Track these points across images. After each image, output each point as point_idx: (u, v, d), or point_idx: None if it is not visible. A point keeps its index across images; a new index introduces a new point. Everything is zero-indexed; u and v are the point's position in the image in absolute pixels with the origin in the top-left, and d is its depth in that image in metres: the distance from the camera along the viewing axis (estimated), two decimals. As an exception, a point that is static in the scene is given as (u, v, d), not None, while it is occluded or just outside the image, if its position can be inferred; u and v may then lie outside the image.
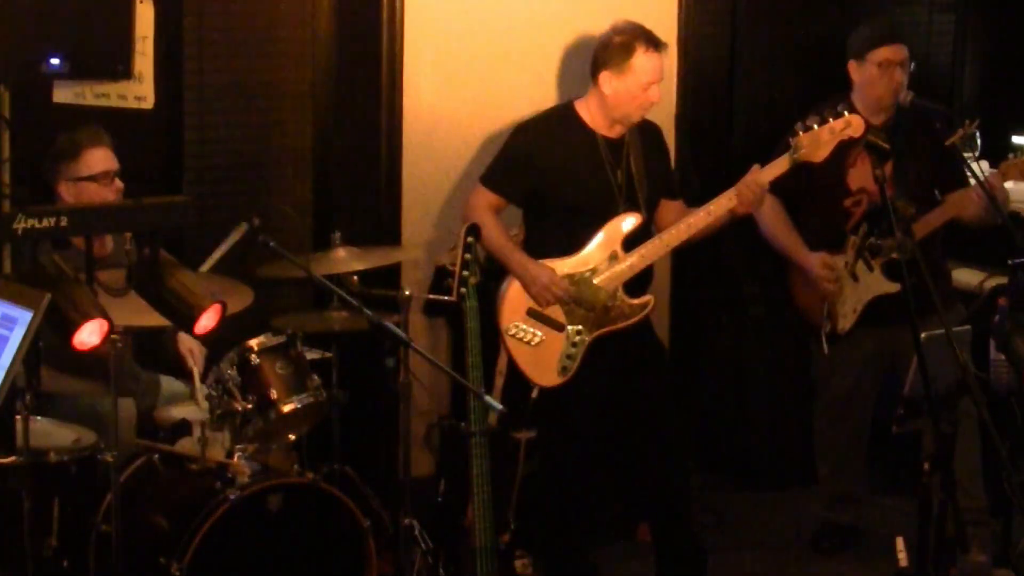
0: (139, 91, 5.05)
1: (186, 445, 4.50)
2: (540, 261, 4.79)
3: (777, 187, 4.83)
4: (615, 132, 4.82)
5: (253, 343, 4.49)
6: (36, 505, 3.86)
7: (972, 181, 5.03)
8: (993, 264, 5.61)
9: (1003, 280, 5.03)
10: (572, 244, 4.79)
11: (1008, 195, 5.23)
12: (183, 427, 4.55)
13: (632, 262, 4.79)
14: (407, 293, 4.70)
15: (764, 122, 5.84)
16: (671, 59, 5.74)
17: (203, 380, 4.63)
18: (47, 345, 3.69)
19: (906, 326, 4.10)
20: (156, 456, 4.43)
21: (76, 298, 3.58)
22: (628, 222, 4.79)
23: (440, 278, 4.99)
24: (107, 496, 4.08)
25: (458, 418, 4.83)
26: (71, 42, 4.72)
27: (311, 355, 4.76)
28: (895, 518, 5.43)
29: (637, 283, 4.84)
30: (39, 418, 4.08)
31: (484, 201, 4.84)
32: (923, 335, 4.05)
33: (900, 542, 4.36)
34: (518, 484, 4.95)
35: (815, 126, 4.71)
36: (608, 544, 5.34)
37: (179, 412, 4.62)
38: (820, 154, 4.73)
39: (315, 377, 4.60)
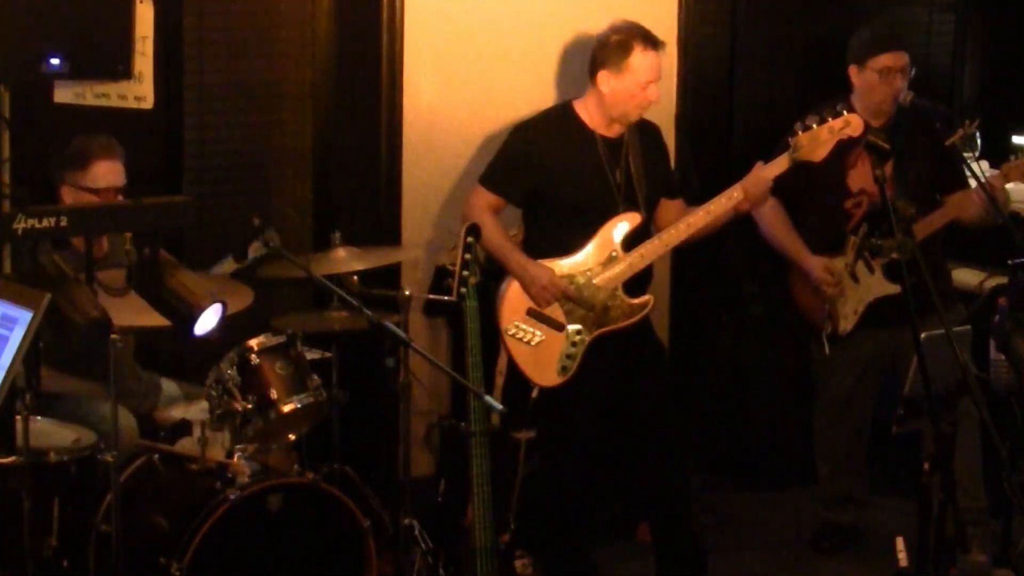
0: (139, 91, 5.05)
1: (186, 445, 4.50)
2: (539, 261, 4.79)
3: (777, 188, 4.84)
4: (614, 132, 4.82)
5: (253, 343, 4.48)
6: (36, 505, 3.86)
7: (972, 182, 5.03)
8: (993, 264, 5.61)
9: (1003, 280, 5.02)
10: (571, 244, 4.79)
11: (1008, 196, 5.23)
12: (183, 427, 4.55)
13: (631, 262, 4.79)
14: (407, 293, 4.70)
15: (764, 122, 5.84)
16: (671, 59, 5.75)
17: (202, 383, 4.63)
18: (47, 345, 3.69)
19: (906, 327, 4.10)
20: (156, 456, 4.43)
21: (76, 298, 3.58)
22: (627, 222, 4.79)
23: (440, 278, 4.99)
24: (107, 496, 4.08)
25: (458, 418, 4.83)
26: (71, 42, 4.72)
27: (311, 355, 4.76)
28: (895, 518, 5.43)
29: (636, 283, 4.84)
30: (39, 418, 4.07)
31: (483, 201, 4.84)
32: (923, 335, 4.05)
33: (900, 542, 4.36)
34: (518, 484, 4.95)
35: (814, 126, 4.71)
36: (608, 544, 5.34)
37: (179, 412, 4.62)
38: (819, 153, 4.73)
39: (315, 377, 4.60)
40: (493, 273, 4.82)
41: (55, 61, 4.68)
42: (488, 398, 4.34)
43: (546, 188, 4.80)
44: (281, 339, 4.55)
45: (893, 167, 4.89)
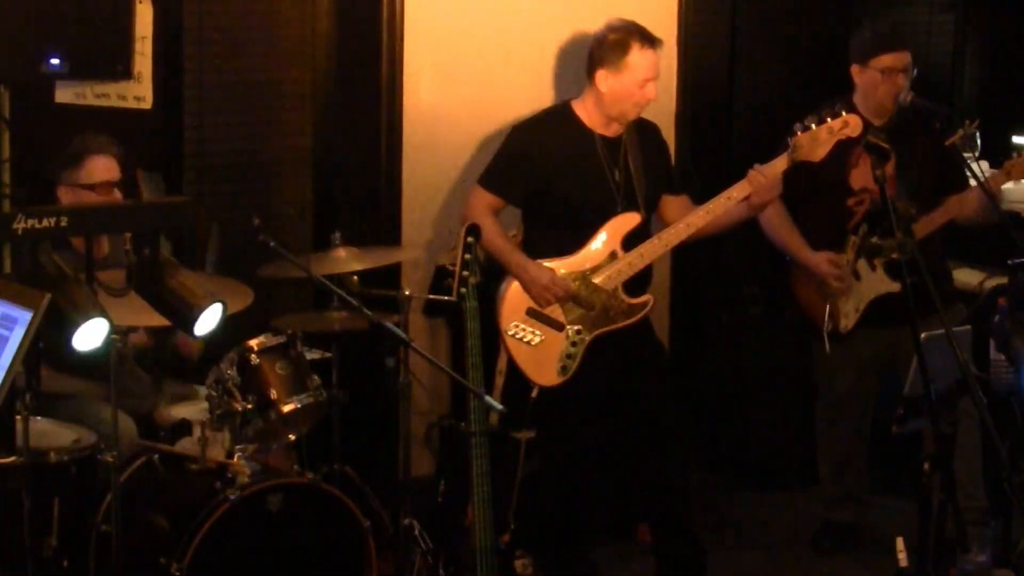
0: (138, 91, 5.05)
1: (186, 445, 4.50)
2: (539, 261, 4.79)
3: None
4: (612, 131, 4.82)
5: (253, 343, 4.48)
6: (36, 505, 3.86)
7: (972, 181, 5.03)
8: (993, 264, 5.61)
9: (1003, 280, 5.02)
10: (571, 244, 4.79)
11: (1003, 196, 5.24)
12: (183, 427, 4.55)
13: (631, 261, 4.79)
14: (407, 293, 4.70)
15: (764, 122, 5.84)
16: (671, 59, 5.75)
17: (202, 383, 4.63)
18: (47, 345, 3.68)
19: (906, 327, 4.10)
20: (156, 456, 4.43)
21: (76, 298, 3.58)
22: (626, 221, 4.79)
23: (440, 278, 4.99)
24: (107, 496, 4.08)
25: (458, 418, 4.83)
26: (71, 42, 4.72)
27: (311, 355, 4.76)
28: (895, 518, 5.42)
29: (636, 282, 4.84)
30: (39, 418, 4.07)
31: (483, 202, 4.84)
32: (923, 335, 4.04)
33: (900, 542, 4.35)
34: (518, 484, 4.95)
35: (813, 126, 4.71)
36: (608, 544, 5.34)
37: (179, 412, 4.62)
38: (819, 153, 4.73)
39: (315, 377, 4.59)
40: (493, 273, 4.82)
41: (55, 61, 4.69)
42: (488, 398, 4.34)
43: (545, 188, 4.80)
44: (281, 339, 4.55)
45: (895, 167, 4.90)
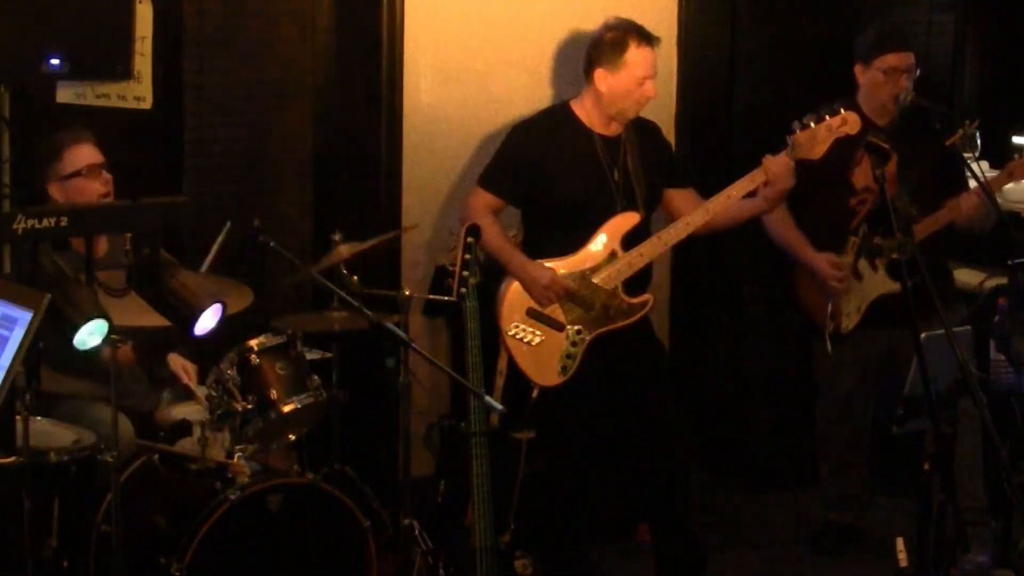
0: (138, 91, 5.05)
1: (186, 445, 4.50)
2: (539, 261, 4.79)
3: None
4: (612, 130, 4.82)
5: (253, 343, 4.48)
6: (36, 505, 3.85)
7: (972, 182, 5.04)
8: (993, 264, 5.61)
9: (1003, 280, 5.02)
10: (571, 243, 4.79)
11: (1002, 196, 5.24)
12: (183, 427, 4.55)
13: (630, 260, 4.79)
14: (407, 293, 4.70)
15: (764, 122, 5.84)
16: (671, 59, 5.76)
17: (201, 383, 4.63)
18: (47, 345, 3.68)
19: (907, 327, 4.10)
20: (156, 456, 4.43)
21: (76, 298, 3.58)
22: (626, 221, 4.79)
23: (440, 278, 4.99)
24: (107, 496, 4.08)
25: (458, 418, 4.83)
26: (71, 42, 4.72)
27: (311, 355, 4.76)
28: (895, 518, 5.42)
29: (636, 282, 4.84)
30: (39, 418, 4.07)
31: (482, 203, 4.84)
32: (923, 335, 4.05)
33: (900, 542, 4.35)
34: (519, 484, 4.95)
35: (812, 124, 4.72)
36: (608, 544, 5.34)
37: (179, 412, 4.62)
38: (818, 151, 4.73)
39: (315, 377, 4.59)
40: (493, 273, 4.82)
41: (55, 61, 4.69)
42: (488, 398, 4.34)
43: (545, 188, 4.80)
44: (281, 339, 4.55)
45: (897, 167, 4.90)
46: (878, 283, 5.16)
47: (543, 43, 5.57)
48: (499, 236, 4.82)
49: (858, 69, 5.21)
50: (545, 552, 4.97)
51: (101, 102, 5.02)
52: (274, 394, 4.46)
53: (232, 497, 4.19)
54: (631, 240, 4.80)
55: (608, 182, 4.79)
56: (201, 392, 4.58)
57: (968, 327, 4.34)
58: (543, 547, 4.97)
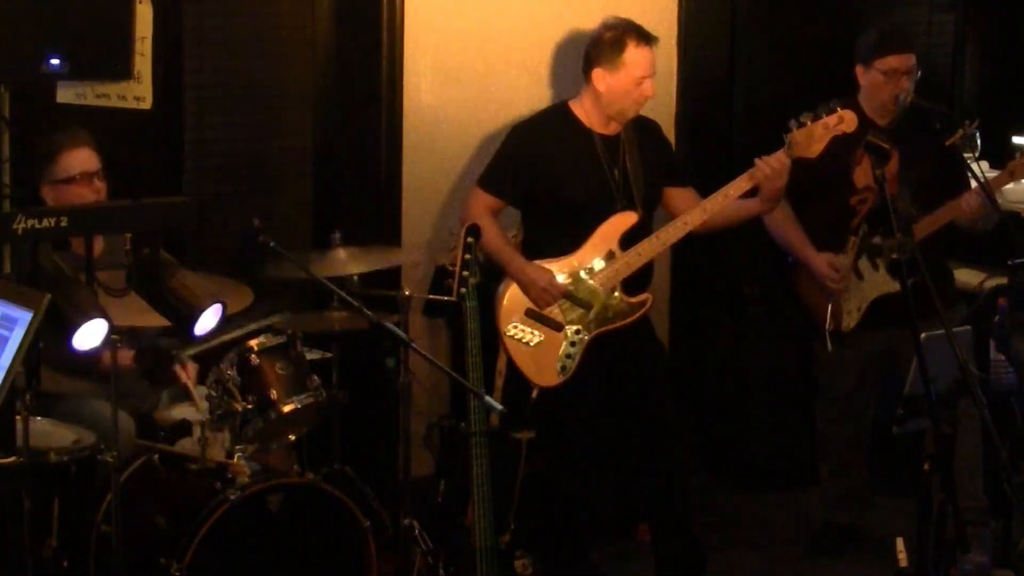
0: (138, 91, 5.05)
1: (186, 445, 4.49)
2: (538, 262, 4.79)
3: (782, 184, 4.83)
4: (611, 129, 4.82)
5: (253, 343, 4.48)
6: (36, 505, 3.86)
7: (972, 182, 5.04)
8: (993, 264, 5.60)
9: (1003, 280, 5.02)
10: (570, 243, 4.79)
11: (1002, 196, 5.24)
12: (183, 427, 4.55)
13: (629, 260, 4.79)
14: (407, 293, 4.70)
15: (764, 122, 5.83)
16: (671, 58, 5.75)
17: (202, 383, 4.63)
18: (47, 345, 3.68)
19: (907, 327, 4.10)
20: (156, 456, 4.43)
21: (76, 298, 3.58)
22: (624, 220, 4.79)
23: (440, 278, 4.99)
24: (107, 496, 4.08)
25: (458, 418, 4.83)
26: (71, 42, 4.71)
27: (311, 355, 4.75)
28: (895, 518, 5.42)
29: (636, 281, 4.84)
30: (39, 418, 4.07)
31: (482, 204, 4.84)
32: (923, 335, 4.05)
33: (900, 542, 4.35)
34: (519, 484, 4.95)
35: (808, 122, 4.71)
36: (608, 544, 5.34)
37: (179, 412, 4.62)
38: (815, 149, 4.73)
39: (315, 377, 4.59)
40: (493, 273, 4.82)
41: (55, 61, 4.68)
42: (488, 398, 4.33)
43: (545, 188, 4.80)
44: (281, 339, 4.55)
45: (898, 167, 4.90)
46: (879, 282, 5.16)
47: (543, 43, 5.57)
48: (498, 237, 4.82)
49: (859, 70, 5.20)
50: (545, 552, 4.97)
51: (101, 102, 5.02)
52: (274, 394, 4.46)
53: (232, 497, 4.19)
54: (630, 240, 4.80)
55: (608, 182, 4.79)
56: (201, 392, 4.57)
57: (968, 327, 4.34)
58: (543, 547, 4.97)
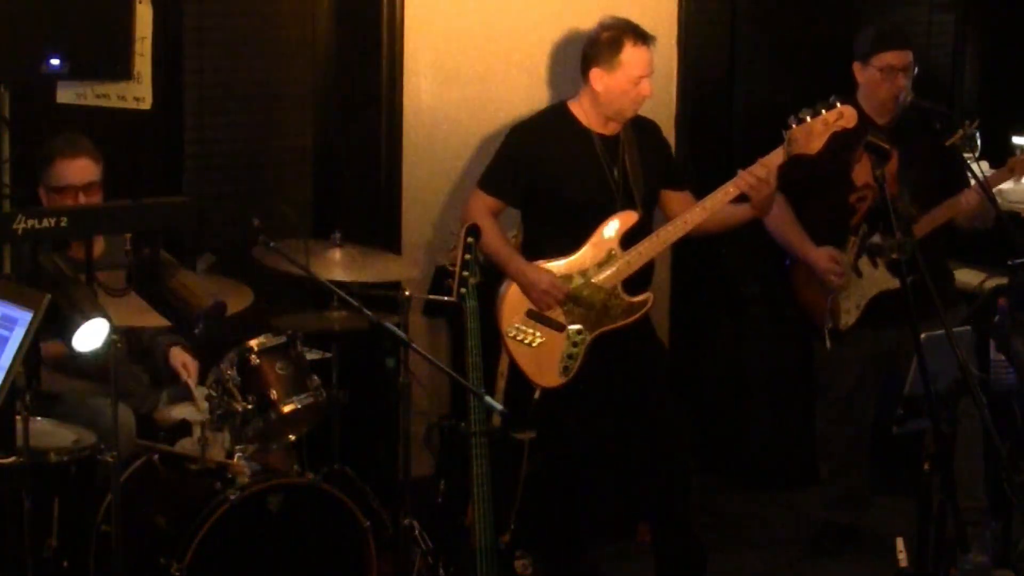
0: (138, 92, 5.05)
1: (186, 445, 4.49)
2: (538, 263, 4.78)
3: (781, 182, 4.83)
4: (610, 129, 4.82)
5: (253, 343, 4.48)
6: (36, 505, 3.86)
7: (972, 181, 5.04)
8: (993, 264, 5.61)
9: (1003, 280, 5.02)
10: (570, 243, 4.79)
11: (1002, 196, 5.24)
12: (183, 427, 4.55)
13: (629, 260, 4.79)
14: (407, 293, 4.69)
15: (764, 122, 5.82)
16: (671, 58, 5.75)
17: (202, 383, 4.63)
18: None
19: (907, 326, 4.10)
20: (156, 456, 4.43)
21: (76, 298, 3.58)
22: (624, 220, 4.79)
23: (440, 278, 4.99)
24: (107, 496, 4.08)
25: (458, 418, 4.83)
26: (71, 42, 4.72)
27: (311, 355, 4.75)
28: (895, 518, 5.42)
29: (636, 281, 4.84)
30: (39, 418, 4.07)
31: (482, 205, 4.84)
32: (923, 335, 4.05)
33: (900, 542, 4.35)
34: (521, 484, 4.95)
35: (808, 118, 4.71)
36: (608, 544, 5.34)
37: (179, 412, 4.62)
38: (814, 146, 4.73)
39: (315, 377, 4.59)
40: (493, 273, 4.82)
41: (55, 61, 4.68)
42: (488, 399, 4.33)
43: (544, 188, 4.80)
44: (281, 339, 4.55)
45: (898, 166, 4.90)
46: (878, 279, 5.16)
47: (543, 44, 5.57)
48: (498, 238, 4.82)
49: (856, 67, 5.21)
50: (545, 552, 4.97)
51: (101, 102, 5.02)
52: (274, 394, 4.46)
53: (232, 497, 4.19)
54: (630, 239, 4.80)
55: (607, 182, 4.79)
56: (201, 392, 4.57)
57: (968, 327, 4.34)
58: (543, 547, 4.97)
